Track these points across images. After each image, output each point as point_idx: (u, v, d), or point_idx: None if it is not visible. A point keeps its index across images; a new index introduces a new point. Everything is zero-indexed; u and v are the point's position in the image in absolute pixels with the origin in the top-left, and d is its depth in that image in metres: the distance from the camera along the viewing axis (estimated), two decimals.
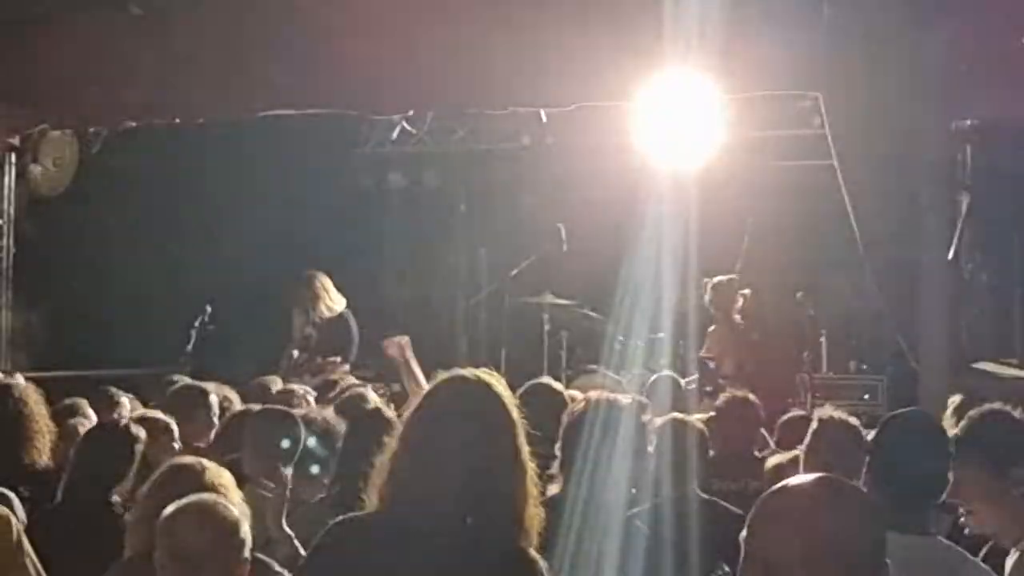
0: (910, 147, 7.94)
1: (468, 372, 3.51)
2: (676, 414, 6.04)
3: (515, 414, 3.43)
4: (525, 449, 3.41)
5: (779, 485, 2.57)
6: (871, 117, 8.05)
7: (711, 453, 5.99)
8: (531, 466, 3.40)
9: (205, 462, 4.36)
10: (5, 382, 6.74)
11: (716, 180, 11.91)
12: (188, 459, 4.48)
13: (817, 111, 10.24)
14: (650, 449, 5.45)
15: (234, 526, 3.76)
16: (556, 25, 8.55)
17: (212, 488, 4.09)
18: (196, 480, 4.16)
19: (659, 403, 7.33)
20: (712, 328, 11.03)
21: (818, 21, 8.05)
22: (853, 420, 5.49)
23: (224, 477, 4.28)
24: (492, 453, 3.34)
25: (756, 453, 6.94)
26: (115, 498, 5.42)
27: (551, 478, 4.90)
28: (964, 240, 8.57)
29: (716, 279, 11.02)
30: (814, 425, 5.36)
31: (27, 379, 8.13)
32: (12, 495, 5.39)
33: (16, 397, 6.27)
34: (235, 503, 3.97)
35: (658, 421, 5.80)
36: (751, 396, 7.26)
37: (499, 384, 3.49)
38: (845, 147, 8.23)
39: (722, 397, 7.49)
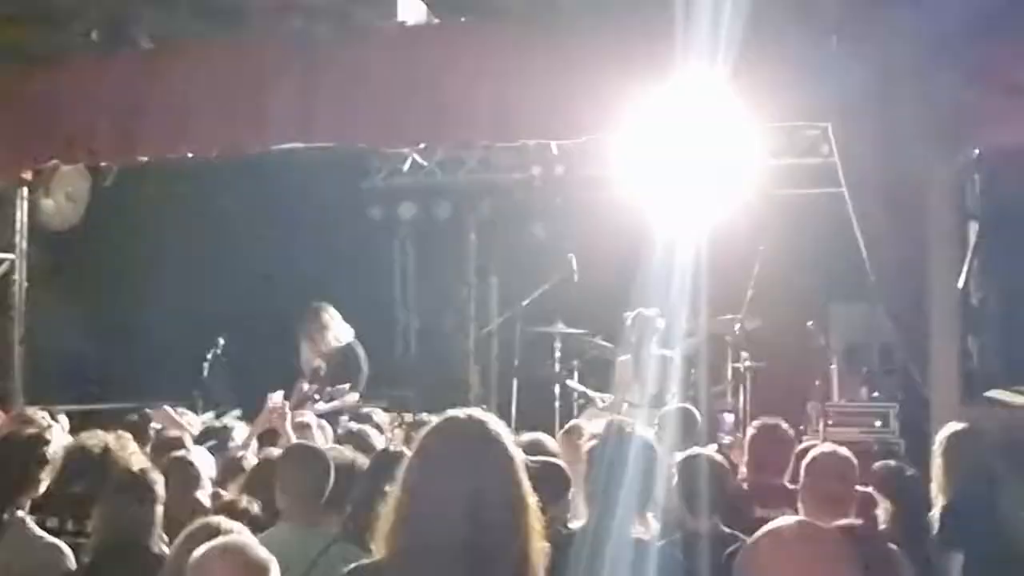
0: (919, 175, 7.95)
1: (461, 412, 3.50)
2: (696, 448, 6.05)
3: (511, 450, 3.42)
4: (526, 484, 3.39)
5: (768, 526, 2.77)
6: (880, 146, 8.06)
7: (745, 483, 6.04)
8: (532, 499, 3.39)
9: (227, 522, 4.37)
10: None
11: (726, 209, 11.91)
12: (214, 519, 4.47)
13: (826, 139, 10.26)
14: (673, 483, 5.49)
15: (265, 566, 3.78)
16: (567, 59, 8.60)
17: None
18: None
19: (673, 435, 7.32)
20: (625, 358, 10.95)
21: (826, 52, 8.08)
22: (843, 451, 5.90)
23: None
24: (492, 492, 3.32)
25: (787, 484, 6.88)
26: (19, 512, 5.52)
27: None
28: (974, 268, 8.57)
29: (636, 311, 10.89)
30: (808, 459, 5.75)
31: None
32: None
33: None
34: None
35: (678, 455, 5.83)
36: (783, 424, 7.22)
37: (493, 422, 3.48)
38: (854, 176, 8.24)
39: (754, 425, 7.46)
